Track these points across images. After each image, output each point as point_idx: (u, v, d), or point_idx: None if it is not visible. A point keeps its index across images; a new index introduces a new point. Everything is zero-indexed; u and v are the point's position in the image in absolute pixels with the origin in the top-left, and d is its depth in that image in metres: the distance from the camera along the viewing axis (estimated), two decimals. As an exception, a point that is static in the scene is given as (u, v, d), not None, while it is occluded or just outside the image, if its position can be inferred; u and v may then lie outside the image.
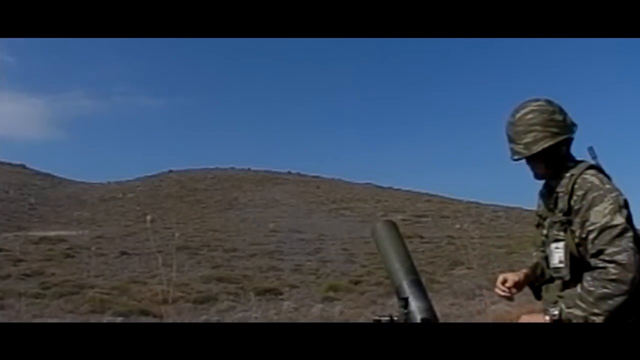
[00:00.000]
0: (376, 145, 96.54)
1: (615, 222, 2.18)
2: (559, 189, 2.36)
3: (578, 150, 2.44)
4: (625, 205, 2.25)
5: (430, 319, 1.58)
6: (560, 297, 2.40)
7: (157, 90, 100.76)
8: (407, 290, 1.63)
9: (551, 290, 2.47)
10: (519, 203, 36.04)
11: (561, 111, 2.39)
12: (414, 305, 1.60)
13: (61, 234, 23.26)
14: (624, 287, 2.12)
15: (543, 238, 2.50)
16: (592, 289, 2.17)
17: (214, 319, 11.09)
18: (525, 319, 2.42)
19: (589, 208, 2.23)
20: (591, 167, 2.34)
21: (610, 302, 2.13)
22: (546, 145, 2.34)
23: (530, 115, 2.37)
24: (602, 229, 2.18)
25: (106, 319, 10.51)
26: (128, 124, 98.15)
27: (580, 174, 2.31)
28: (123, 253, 18.92)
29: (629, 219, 2.23)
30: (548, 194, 2.47)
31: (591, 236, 2.21)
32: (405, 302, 1.61)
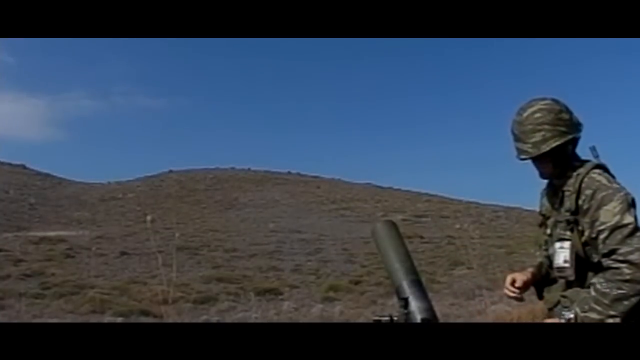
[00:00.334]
0: (376, 145, 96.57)
1: (625, 221, 2.16)
2: (565, 188, 2.35)
3: (578, 149, 2.42)
4: (633, 204, 2.23)
5: (430, 319, 1.58)
6: (563, 297, 2.39)
7: (157, 90, 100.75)
8: (407, 291, 1.63)
9: (553, 291, 2.46)
10: (519, 203, 36.14)
11: (567, 110, 2.38)
12: (414, 305, 1.60)
13: (61, 234, 23.26)
14: (639, 287, 2.11)
15: (546, 237, 2.49)
16: (607, 290, 2.15)
17: (214, 319, 11.09)
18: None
19: (599, 207, 2.22)
20: (597, 166, 2.33)
21: (626, 302, 2.12)
22: (555, 144, 2.31)
23: (538, 114, 2.34)
24: (613, 229, 2.17)
25: (106, 319, 10.51)
26: (128, 124, 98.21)
27: (587, 173, 2.29)
28: (123, 253, 18.92)
29: (636, 217, 2.21)
30: (552, 193, 2.45)
31: (602, 236, 2.19)
32: (405, 302, 1.61)
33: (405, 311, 1.59)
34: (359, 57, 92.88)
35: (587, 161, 2.36)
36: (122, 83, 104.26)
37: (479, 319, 9.63)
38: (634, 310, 2.13)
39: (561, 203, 2.38)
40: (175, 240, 13.65)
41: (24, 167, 50.20)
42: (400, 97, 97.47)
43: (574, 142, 2.38)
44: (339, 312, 11.96)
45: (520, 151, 2.39)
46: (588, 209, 2.25)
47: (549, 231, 2.47)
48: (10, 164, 48.72)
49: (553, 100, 2.39)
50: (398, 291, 1.65)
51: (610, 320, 2.13)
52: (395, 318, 1.63)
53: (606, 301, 2.15)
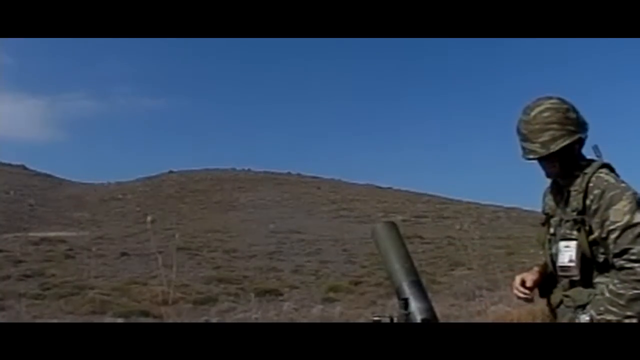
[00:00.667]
0: (376, 146, 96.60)
1: (636, 220, 2.15)
2: (572, 188, 2.33)
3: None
4: None
5: (431, 320, 1.58)
6: (566, 296, 2.38)
7: (158, 91, 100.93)
8: (407, 291, 1.63)
9: (556, 291, 2.44)
10: (518, 204, 36.18)
11: (574, 109, 2.36)
12: (414, 306, 1.60)
13: (61, 235, 23.27)
14: None
15: (549, 236, 2.47)
16: (622, 291, 2.14)
17: (214, 319, 11.08)
18: None
19: (608, 207, 2.20)
20: (604, 165, 2.32)
21: None
22: (564, 143, 2.29)
23: (546, 114, 2.31)
24: (624, 228, 2.16)
25: (106, 320, 10.51)
26: (128, 124, 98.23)
27: (594, 172, 2.28)
28: (123, 254, 18.92)
29: None
30: (557, 192, 2.44)
31: (613, 236, 2.18)
32: (405, 302, 1.60)
33: (406, 312, 1.59)
34: (359, 58, 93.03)
35: (594, 161, 2.35)
36: (122, 84, 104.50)
37: (479, 320, 9.62)
38: None
39: (566, 202, 2.36)
40: (175, 241, 13.64)
41: (24, 167, 50.24)
42: (400, 98, 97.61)
43: (581, 141, 2.36)
44: (339, 312, 11.96)
45: (528, 151, 2.36)
46: (597, 208, 2.23)
47: (552, 230, 2.45)
48: (10, 165, 48.75)
49: (560, 99, 2.36)
50: (398, 292, 1.65)
51: (627, 321, 2.12)
52: (396, 319, 1.63)
53: (622, 302, 2.14)
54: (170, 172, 50.54)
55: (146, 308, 11.33)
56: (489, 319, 9.24)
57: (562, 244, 2.35)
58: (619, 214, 2.18)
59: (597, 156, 2.35)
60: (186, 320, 9.90)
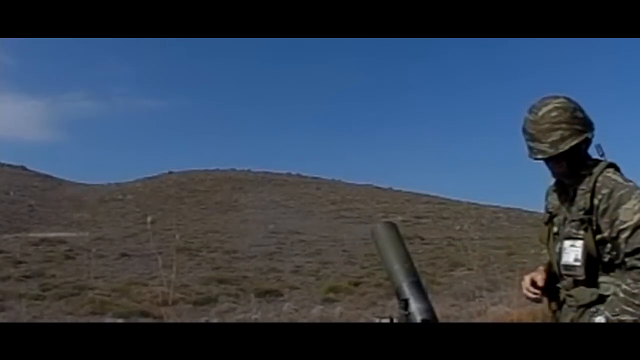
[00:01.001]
0: (376, 146, 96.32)
1: None
2: (580, 187, 2.32)
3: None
4: None
5: (430, 321, 1.58)
6: (569, 295, 2.37)
7: (158, 91, 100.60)
8: (407, 292, 1.62)
9: (560, 290, 2.44)
10: (518, 204, 36.16)
11: (581, 108, 2.35)
12: (414, 306, 1.59)
13: (61, 236, 23.27)
14: None
15: (553, 235, 2.46)
16: (636, 291, 2.14)
17: (214, 320, 11.08)
18: None
19: (618, 206, 2.20)
20: (610, 165, 2.31)
21: None
22: (573, 143, 2.28)
23: (555, 113, 2.30)
24: (635, 227, 2.15)
25: (106, 320, 10.51)
26: (128, 125, 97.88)
27: (601, 172, 2.28)
28: (123, 254, 18.92)
29: None
30: (562, 191, 2.43)
31: (624, 235, 2.17)
32: (405, 303, 1.60)
33: (406, 312, 1.59)
34: (359, 58, 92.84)
35: (600, 160, 2.34)
36: (122, 84, 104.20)
37: (479, 321, 9.62)
38: None
39: (572, 201, 2.35)
40: (175, 242, 13.68)
41: (24, 168, 50.23)
42: (400, 98, 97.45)
43: (587, 141, 2.35)
44: (339, 313, 11.95)
45: (536, 151, 2.34)
46: (606, 208, 2.22)
47: (555, 229, 2.44)
48: (10, 165, 48.75)
49: (566, 98, 2.35)
50: (398, 292, 1.65)
51: None
52: (395, 319, 1.63)
53: (637, 302, 2.13)
54: (170, 172, 50.52)
55: (146, 309, 11.32)
56: (489, 319, 9.23)
57: (567, 242, 2.34)
58: (629, 213, 2.17)
59: (600, 155, 2.35)
60: (186, 321, 9.90)
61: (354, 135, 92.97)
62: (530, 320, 7.06)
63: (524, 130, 2.37)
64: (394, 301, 1.68)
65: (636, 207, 2.17)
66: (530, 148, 2.36)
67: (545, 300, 2.55)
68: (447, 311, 10.82)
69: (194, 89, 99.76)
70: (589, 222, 2.27)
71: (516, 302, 8.71)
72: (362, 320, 10.27)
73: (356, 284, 15.24)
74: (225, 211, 34.74)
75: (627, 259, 2.18)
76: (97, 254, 17.89)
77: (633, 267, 2.16)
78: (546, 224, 2.51)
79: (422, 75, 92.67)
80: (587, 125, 2.33)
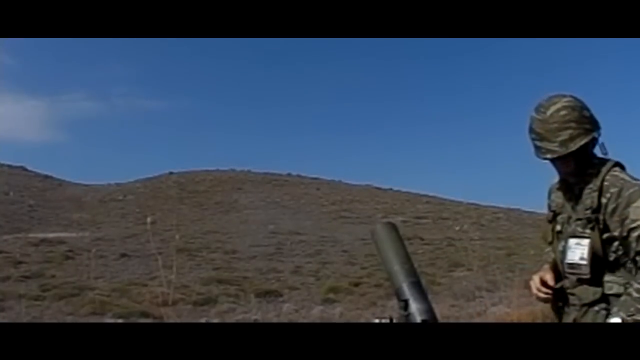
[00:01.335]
0: (376, 146, 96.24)
1: None
2: (587, 186, 2.30)
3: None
4: None
5: (430, 321, 1.58)
6: (572, 294, 2.36)
7: (157, 92, 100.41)
8: (407, 292, 1.63)
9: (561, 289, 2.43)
10: (519, 205, 36.21)
11: (587, 107, 2.34)
12: (414, 307, 1.59)
13: (61, 236, 23.27)
14: None
15: (555, 233, 2.45)
16: None
17: (214, 320, 11.08)
18: None
19: (627, 205, 2.18)
20: (617, 164, 2.31)
21: None
22: (582, 142, 2.27)
23: (564, 112, 2.28)
24: None
25: (106, 320, 10.51)
26: (128, 125, 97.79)
27: (609, 171, 2.27)
28: (123, 255, 18.92)
29: None
30: (566, 190, 2.42)
31: (635, 234, 2.16)
32: (405, 304, 1.60)
33: (405, 313, 1.59)
34: (359, 58, 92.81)
35: (606, 160, 2.33)
36: (122, 85, 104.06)
37: (478, 321, 9.62)
38: None
39: (577, 200, 2.34)
40: (175, 242, 13.65)
41: (23, 168, 50.20)
42: (400, 98, 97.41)
43: (594, 140, 2.34)
44: (339, 313, 11.95)
45: (545, 150, 2.32)
46: (615, 207, 2.21)
47: (559, 227, 2.43)
48: (10, 166, 48.70)
49: (573, 97, 2.33)
50: (398, 293, 1.65)
51: None
52: (395, 320, 1.63)
53: None
54: (170, 173, 50.49)
55: (146, 309, 11.31)
56: (489, 319, 9.24)
57: (573, 241, 2.33)
58: (639, 211, 2.16)
59: (604, 154, 2.34)
60: (186, 321, 9.90)
61: (354, 135, 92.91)
62: (530, 321, 7.06)
63: (531, 130, 2.35)
64: (394, 301, 1.68)
65: None
66: (538, 147, 2.34)
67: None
68: (447, 312, 10.82)
69: (194, 89, 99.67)
70: (595, 221, 2.26)
71: (516, 302, 8.71)
72: (362, 321, 10.27)
73: (356, 285, 15.23)
74: (225, 211, 34.76)
75: (638, 258, 2.17)
76: (97, 254, 17.87)
77: None
78: (550, 222, 2.50)
79: (422, 75, 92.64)
80: (594, 124, 2.32)
